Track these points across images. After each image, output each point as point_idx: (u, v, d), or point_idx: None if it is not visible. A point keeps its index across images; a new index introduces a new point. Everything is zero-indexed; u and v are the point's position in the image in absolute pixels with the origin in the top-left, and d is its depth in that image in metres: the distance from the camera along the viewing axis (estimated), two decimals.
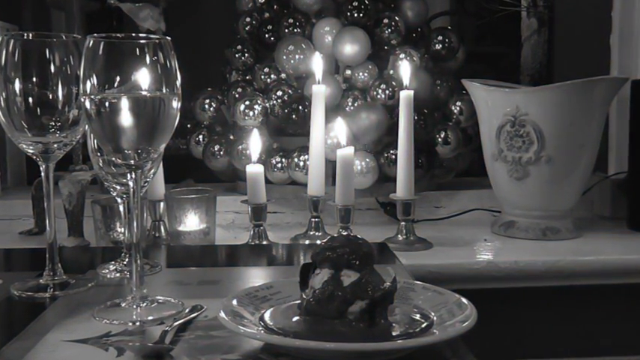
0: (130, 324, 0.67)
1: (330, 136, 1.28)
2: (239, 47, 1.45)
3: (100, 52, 0.64)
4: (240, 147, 1.35)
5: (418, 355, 0.58)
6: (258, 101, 1.36)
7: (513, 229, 1.26)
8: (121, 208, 0.90)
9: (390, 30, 1.39)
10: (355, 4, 1.38)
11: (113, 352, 0.60)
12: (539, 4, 1.55)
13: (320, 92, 1.17)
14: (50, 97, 0.74)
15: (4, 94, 0.73)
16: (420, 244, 1.18)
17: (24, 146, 0.76)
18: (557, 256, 1.14)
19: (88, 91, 0.65)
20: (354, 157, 1.18)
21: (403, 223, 1.18)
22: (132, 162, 0.68)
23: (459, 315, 0.62)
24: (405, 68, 1.19)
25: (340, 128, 1.16)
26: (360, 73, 1.38)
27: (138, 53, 0.65)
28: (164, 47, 0.66)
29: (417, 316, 0.63)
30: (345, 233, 1.11)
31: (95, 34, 0.65)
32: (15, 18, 1.67)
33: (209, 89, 1.47)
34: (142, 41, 0.65)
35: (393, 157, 1.30)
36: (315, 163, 1.16)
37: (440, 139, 1.39)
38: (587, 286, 1.14)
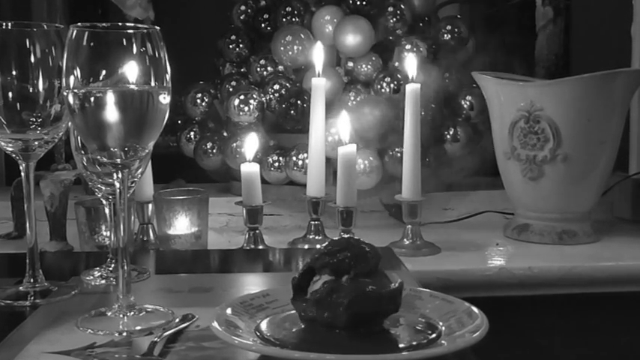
0: (117, 334, 0.67)
1: (331, 133, 1.28)
2: (233, 37, 1.45)
3: (84, 42, 0.64)
4: (234, 145, 1.35)
5: None
6: (254, 95, 1.36)
7: (527, 232, 1.26)
8: (107, 210, 0.90)
9: (395, 19, 1.39)
10: None
11: None
12: None
13: (320, 86, 1.17)
14: (30, 91, 0.74)
15: None
16: (427, 248, 1.18)
17: (2, 144, 0.76)
18: (574, 262, 1.14)
19: (72, 84, 0.65)
20: (357, 155, 1.18)
21: (409, 226, 1.18)
22: (118, 161, 0.68)
23: (468, 325, 0.62)
24: (411, 60, 1.19)
25: (343, 123, 1.16)
26: (363, 66, 1.38)
27: (125, 44, 0.65)
28: (153, 37, 0.66)
29: (424, 326, 0.63)
30: (346, 237, 1.11)
31: (79, 24, 0.65)
32: None
33: (201, 83, 1.47)
34: (129, 31, 0.65)
35: (399, 155, 1.30)
36: (315, 161, 1.16)
37: (449, 136, 1.40)
38: (606, 294, 1.14)
